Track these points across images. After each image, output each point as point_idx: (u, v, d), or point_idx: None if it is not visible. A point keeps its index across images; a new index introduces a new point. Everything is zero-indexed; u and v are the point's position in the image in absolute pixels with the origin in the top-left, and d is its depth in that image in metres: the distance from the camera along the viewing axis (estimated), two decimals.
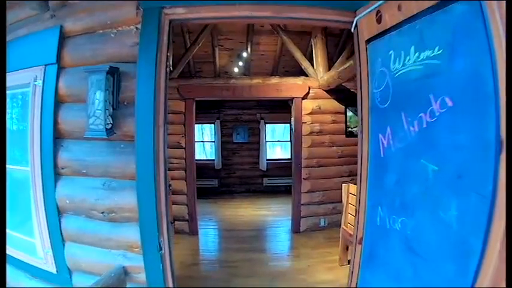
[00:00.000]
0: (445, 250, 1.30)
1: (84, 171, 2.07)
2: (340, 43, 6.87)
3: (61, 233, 2.19)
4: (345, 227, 4.02)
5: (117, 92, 1.86)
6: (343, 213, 4.02)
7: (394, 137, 1.46)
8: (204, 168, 8.63)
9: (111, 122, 1.82)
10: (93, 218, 2.10)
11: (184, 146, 5.35)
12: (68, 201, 2.14)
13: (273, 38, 6.84)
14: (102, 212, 2.04)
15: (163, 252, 1.85)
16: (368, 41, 1.69)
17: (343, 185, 4.00)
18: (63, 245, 2.20)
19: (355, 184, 4.16)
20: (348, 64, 4.03)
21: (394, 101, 1.48)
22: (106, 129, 1.76)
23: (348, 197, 3.93)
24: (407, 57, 1.43)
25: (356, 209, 1.88)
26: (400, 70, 1.46)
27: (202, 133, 9.49)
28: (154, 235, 1.80)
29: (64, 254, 2.20)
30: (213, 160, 8.79)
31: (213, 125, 8.84)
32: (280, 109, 8.57)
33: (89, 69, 1.83)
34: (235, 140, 8.89)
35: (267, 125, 8.87)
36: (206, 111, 8.63)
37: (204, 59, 7.45)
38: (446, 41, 1.26)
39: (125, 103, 1.88)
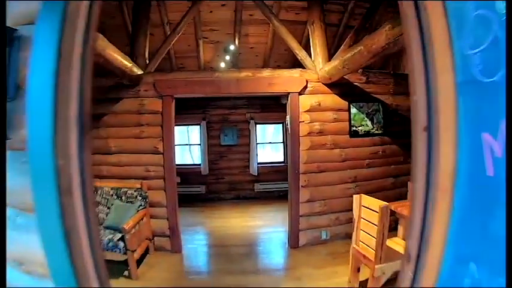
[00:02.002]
0: None
1: None
2: (338, 34, 6.25)
3: None
4: (356, 246, 3.31)
5: (14, 70, 1.10)
6: (355, 230, 3.31)
7: None
8: (189, 174, 7.98)
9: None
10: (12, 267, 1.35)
11: (162, 151, 4.61)
12: None
13: (263, 28, 6.17)
14: (14, 261, 1.29)
15: None
16: None
17: (354, 196, 3.28)
18: None
19: (363, 193, 3.53)
20: (357, 50, 3.34)
21: None
22: None
23: (360, 210, 3.22)
24: None
25: (407, 253, 1.15)
26: None
27: (189, 136, 8.71)
28: None
29: None
30: (199, 165, 8.04)
31: (198, 126, 8.09)
32: (272, 108, 7.97)
33: None
34: (222, 142, 8.12)
35: (257, 125, 8.15)
36: (191, 111, 7.97)
37: (187, 54, 6.76)
38: None
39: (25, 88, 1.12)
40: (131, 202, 4.43)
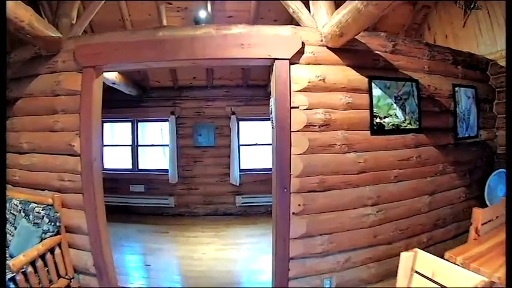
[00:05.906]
0: None
1: None
2: None
3: None
4: None
5: None
6: None
7: None
8: (156, 182, 6.50)
9: None
10: None
11: (79, 151, 2.97)
12: None
13: None
14: None
15: None
16: None
17: (403, 255, 1.55)
18: None
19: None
20: None
21: None
22: None
23: (410, 280, 1.54)
24: None
25: None
26: None
27: (162, 134, 7.09)
28: None
29: None
30: (167, 171, 6.39)
31: (167, 122, 6.47)
32: (259, 100, 6.33)
33: None
34: (196, 143, 6.50)
35: (240, 122, 6.54)
36: (157, 103, 6.53)
37: (147, 26, 5.14)
38: None
39: None
40: (37, 225, 2.99)
